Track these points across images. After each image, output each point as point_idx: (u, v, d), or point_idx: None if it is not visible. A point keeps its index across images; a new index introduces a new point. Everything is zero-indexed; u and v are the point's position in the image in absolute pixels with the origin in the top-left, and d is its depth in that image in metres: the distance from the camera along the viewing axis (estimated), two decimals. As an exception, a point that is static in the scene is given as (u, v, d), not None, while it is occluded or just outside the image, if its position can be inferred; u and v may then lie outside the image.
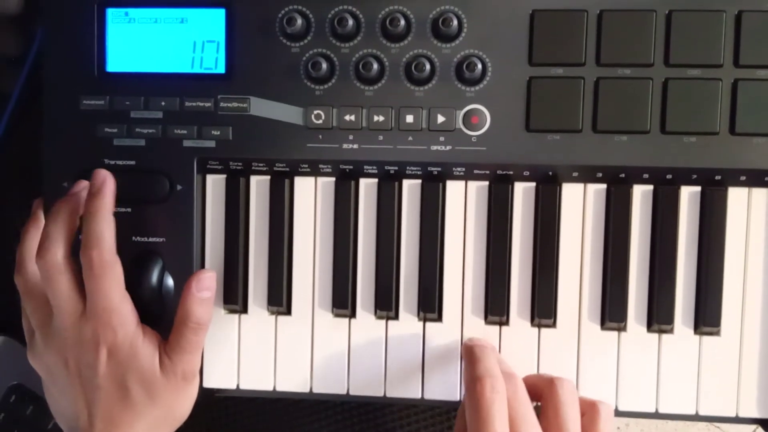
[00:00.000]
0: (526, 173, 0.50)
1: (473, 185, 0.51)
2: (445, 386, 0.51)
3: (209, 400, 0.53)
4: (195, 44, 0.51)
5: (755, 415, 0.50)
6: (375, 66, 0.49)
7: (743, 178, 0.49)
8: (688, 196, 0.50)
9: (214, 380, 0.52)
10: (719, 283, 0.49)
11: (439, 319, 0.51)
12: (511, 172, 0.50)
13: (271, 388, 0.52)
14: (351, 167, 0.51)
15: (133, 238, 0.51)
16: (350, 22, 0.49)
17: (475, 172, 0.50)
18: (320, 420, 0.59)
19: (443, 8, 0.49)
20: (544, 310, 0.50)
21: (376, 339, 0.51)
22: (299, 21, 0.49)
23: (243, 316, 0.52)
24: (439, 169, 0.50)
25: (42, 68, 0.51)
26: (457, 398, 0.51)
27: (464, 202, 0.51)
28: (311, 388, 0.52)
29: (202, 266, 0.52)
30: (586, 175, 0.50)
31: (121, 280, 0.47)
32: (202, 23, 0.51)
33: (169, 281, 0.51)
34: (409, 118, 0.49)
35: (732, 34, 0.47)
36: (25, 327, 0.51)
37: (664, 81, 0.48)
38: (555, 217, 0.50)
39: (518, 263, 0.51)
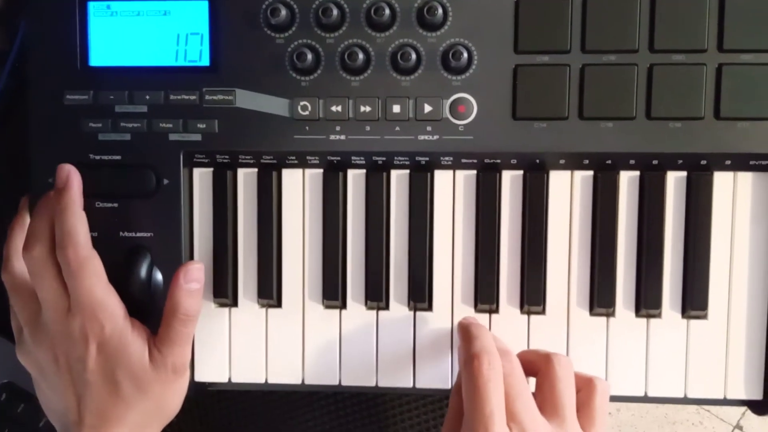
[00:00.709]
0: (514, 161, 0.50)
1: (461, 174, 0.51)
2: (437, 375, 0.51)
3: (201, 394, 0.53)
4: (179, 37, 0.50)
5: (743, 396, 0.50)
6: (361, 56, 0.49)
7: (728, 162, 0.49)
8: (675, 181, 0.50)
9: (206, 374, 0.52)
10: (706, 266, 0.50)
11: (430, 308, 0.51)
12: (499, 161, 0.50)
13: (263, 381, 0.52)
14: (338, 158, 0.51)
15: (121, 233, 0.50)
16: (335, 11, 0.48)
17: (463, 161, 0.50)
18: (313, 411, 0.59)
19: (428, -3, 0.49)
20: (533, 297, 0.50)
21: (367, 329, 0.52)
22: (283, 11, 0.49)
23: (233, 309, 0.52)
24: (427, 158, 0.50)
25: (26, 63, 0.51)
26: (449, 386, 0.51)
27: (452, 191, 0.51)
28: (303, 380, 0.52)
29: (191, 260, 0.52)
30: (573, 162, 0.50)
31: (102, 274, 0.47)
32: (186, 15, 0.50)
33: (158, 276, 0.51)
34: (396, 108, 0.49)
35: (716, 18, 0.47)
36: (14, 324, 0.50)
37: (649, 67, 0.48)
38: (543, 204, 0.50)
39: (507, 251, 0.51)
